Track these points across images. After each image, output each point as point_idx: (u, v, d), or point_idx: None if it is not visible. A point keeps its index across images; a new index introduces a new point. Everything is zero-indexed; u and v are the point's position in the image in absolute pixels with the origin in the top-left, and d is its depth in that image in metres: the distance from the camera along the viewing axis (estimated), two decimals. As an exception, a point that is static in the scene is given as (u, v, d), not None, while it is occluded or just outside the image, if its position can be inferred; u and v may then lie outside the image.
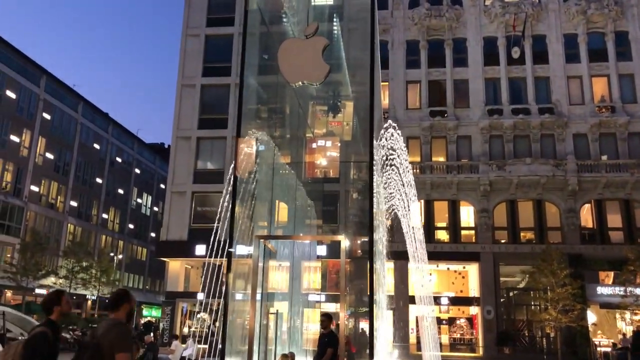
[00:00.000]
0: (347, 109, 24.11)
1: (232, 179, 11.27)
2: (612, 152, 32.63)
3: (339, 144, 25.77)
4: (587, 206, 32.41)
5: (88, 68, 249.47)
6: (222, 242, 16.67)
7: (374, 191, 11.70)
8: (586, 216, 32.54)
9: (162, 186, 66.90)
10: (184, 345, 20.58)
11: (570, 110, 33.56)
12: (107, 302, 5.34)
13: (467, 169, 33.20)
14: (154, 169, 66.45)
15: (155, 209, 65.72)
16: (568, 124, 33.18)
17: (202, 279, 36.60)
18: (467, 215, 34.04)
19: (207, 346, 26.63)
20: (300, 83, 11.98)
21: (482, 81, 34.80)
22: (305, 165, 22.65)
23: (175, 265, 35.13)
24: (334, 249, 29.11)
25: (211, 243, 14.37)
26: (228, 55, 37.04)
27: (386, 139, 14.03)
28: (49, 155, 47.02)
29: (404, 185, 16.08)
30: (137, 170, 61.89)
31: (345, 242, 11.70)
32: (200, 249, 33.96)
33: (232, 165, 11.51)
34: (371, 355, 10.00)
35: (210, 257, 35.81)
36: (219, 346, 15.83)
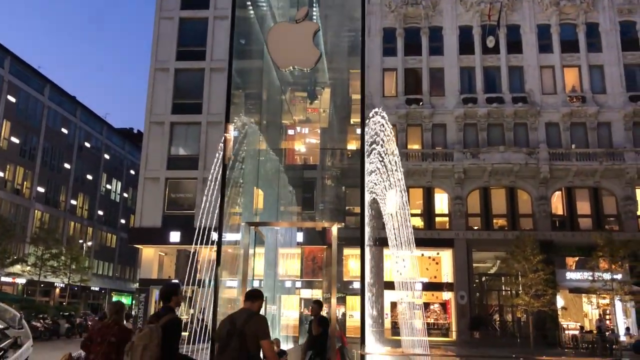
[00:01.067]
0: (323, 95, 24.03)
1: (221, 165, 11.11)
2: (582, 141, 33.44)
3: (319, 131, 25.66)
4: (557, 194, 33.19)
5: (54, 50, 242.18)
6: (202, 229, 16.55)
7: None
8: (557, 203, 33.32)
9: (132, 172, 65.80)
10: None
11: (543, 99, 34.19)
12: (162, 294, 5.66)
13: (442, 157, 33.57)
14: (124, 154, 65.19)
15: (125, 195, 64.60)
16: (540, 113, 33.83)
17: (176, 266, 36.30)
18: (441, 202, 34.47)
19: (186, 333, 26.57)
20: (291, 68, 11.87)
21: (457, 70, 35.13)
22: (286, 152, 22.55)
23: (148, 252, 34.65)
24: (310, 236, 29.10)
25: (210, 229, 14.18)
26: (203, 39, 36.45)
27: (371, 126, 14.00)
28: (14, 140, 45.55)
29: (387, 173, 16.13)
30: (107, 156, 60.57)
31: (335, 229, 11.70)
32: (174, 236, 33.61)
33: (221, 152, 11.34)
34: (362, 341, 10.06)
35: (186, 244, 35.42)
36: (198, 333, 15.73)
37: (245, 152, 14.41)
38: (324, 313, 10.70)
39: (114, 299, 58.95)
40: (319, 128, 23.93)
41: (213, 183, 10.84)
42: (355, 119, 25.67)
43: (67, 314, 32.27)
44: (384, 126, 13.84)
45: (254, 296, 5.43)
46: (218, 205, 10.87)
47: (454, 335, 32.22)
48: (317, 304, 10.58)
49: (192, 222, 34.31)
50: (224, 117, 11.26)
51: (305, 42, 10.96)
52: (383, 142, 14.35)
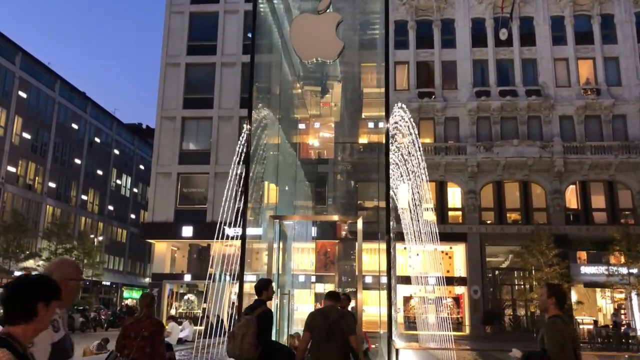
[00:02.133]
0: (334, 89, 23.87)
1: (242, 159, 11.01)
2: (597, 134, 33.10)
3: (332, 125, 25.59)
4: (572, 187, 32.90)
5: (64, 46, 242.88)
6: (220, 224, 16.44)
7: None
8: (571, 197, 33.03)
9: (142, 167, 65.94)
10: (180, 327, 20.36)
11: (557, 92, 33.85)
12: (255, 288, 6.45)
13: (455, 151, 33.34)
14: (133, 149, 65.31)
15: (135, 190, 64.77)
16: (554, 106, 33.49)
17: (188, 260, 36.26)
18: (454, 196, 34.27)
19: (202, 327, 26.56)
20: (307, 62, 11.73)
21: (470, 63, 34.83)
22: (300, 146, 22.43)
23: (161, 247, 34.73)
24: (322, 230, 29.03)
25: (230, 222, 14.09)
26: (213, 34, 36.38)
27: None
28: (26, 135, 45.70)
29: (406, 167, 15.98)
30: (116, 151, 60.71)
31: (360, 223, 11.59)
32: (186, 231, 33.68)
33: (242, 146, 11.25)
34: (390, 335, 9.97)
35: (198, 238, 35.38)
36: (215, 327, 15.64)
37: (265, 145, 14.31)
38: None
39: (125, 293, 59.24)
40: (331, 122, 23.82)
41: (233, 177, 10.69)
42: (367, 112, 25.51)
43: (80, 308, 32.39)
44: (404, 120, 13.70)
45: (337, 296, 6.26)
46: (242, 199, 10.75)
47: (467, 330, 32.07)
48: (345, 297, 10.44)
49: (204, 216, 34.37)
50: (248, 109, 11.18)
51: (328, 34, 10.83)
52: (403, 135, 14.22)
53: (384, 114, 20.52)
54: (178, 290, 35.55)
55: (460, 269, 33.65)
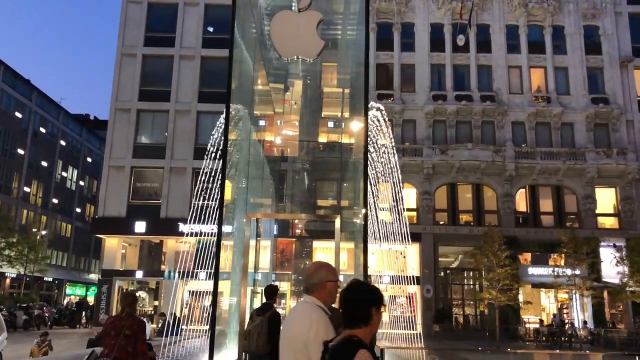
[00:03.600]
0: (295, 87, 23.85)
1: (222, 155, 10.82)
2: (546, 140, 34.43)
3: (297, 123, 25.53)
4: (521, 191, 34.11)
5: (6, 31, 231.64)
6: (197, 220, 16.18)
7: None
8: (520, 200, 34.22)
9: (89, 160, 63.82)
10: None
11: (510, 99, 35.01)
12: (266, 293, 7.30)
13: (411, 152, 33.92)
14: (81, 141, 63.03)
15: (82, 183, 62.59)
16: (507, 112, 34.63)
17: (140, 256, 35.32)
18: (409, 197, 34.84)
19: (154, 325, 25.92)
20: (294, 58, 11.68)
21: (428, 67, 35.53)
22: (263, 143, 22.32)
23: (112, 243, 33.73)
24: (281, 228, 28.89)
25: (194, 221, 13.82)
26: (172, 25, 35.62)
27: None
28: (-34, 123, 43.41)
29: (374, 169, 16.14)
30: (63, 142, 58.39)
31: (338, 222, 11.62)
32: (139, 226, 32.89)
33: (222, 141, 11.06)
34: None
35: (151, 234, 34.60)
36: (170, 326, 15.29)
37: (235, 141, 14.13)
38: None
39: (68, 290, 57.16)
40: (295, 120, 23.79)
41: (207, 172, 10.48)
42: (327, 112, 25.60)
43: (24, 305, 31.02)
44: (379, 121, 13.84)
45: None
46: (220, 195, 10.57)
47: (419, 328, 32.67)
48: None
49: (157, 212, 33.63)
50: (225, 104, 11.00)
51: (308, 32, 10.83)
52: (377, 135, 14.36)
53: (340, 114, 20.74)
54: (128, 288, 34.59)
55: (413, 268, 34.25)
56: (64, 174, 59.14)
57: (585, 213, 33.11)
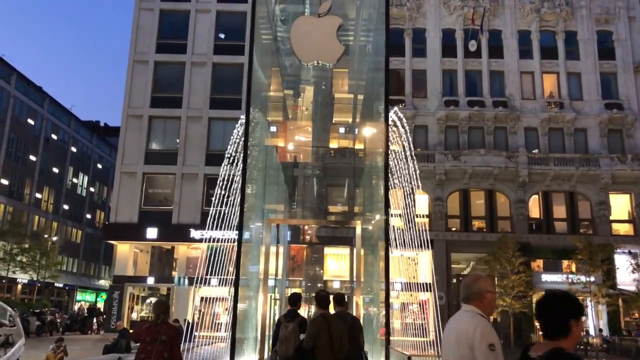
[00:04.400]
0: (306, 93, 23.80)
1: (243, 161, 10.77)
2: (559, 146, 34.17)
3: (310, 129, 25.44)
4: (534, 197, 33.83)
5: (17, 38, 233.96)
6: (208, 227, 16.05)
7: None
8: (533, 207, 33.94)
9: (100, 166, 64.12)
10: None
11: (523, 104, 34.82)
12: (292, 300, 7.92)
13: (423, 158, 33.76)
14: (91, 147, 63.34)
15: (92, 189, 62.84)
16: (520, 118, 34.43)
17: (151, 262, 35.24)
18: (420, 203, 34.67)
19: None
20: (314, 63, 11.64)
21: (439, 72, 35.43)
22: (277, 149, 22.26)
23: (123, 249, 33.76)
24: (293, 234, 28.70)
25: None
26: (184, 32, 35.78)
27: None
28: (-21, 129, 43.71)
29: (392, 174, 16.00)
30: (74, 149, 58.71)
31: (359, 228, 11.52)
32: (151, 232, 32.92)
33: (242, 148, 11.02)
34: (387, 341, 9.94)
35: (163, 240, 34.52)
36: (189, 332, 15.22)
37: (252, 147, 14.06)
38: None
39: (78, 296, 57.28)
40: (308, 126, 23.73)
41: (243, 180, 10.41)
42: (337, 118, 25.53)
43: (37, 311, 31.08)
44: (396, 126, 13.75)
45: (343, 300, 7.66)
46: (240, 200, 10.50)
47: (431, 335, 32.45)
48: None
49: (169, 218, 33.65)
50: (245, 110, 10.97)
51: (328, 37, 10.78)
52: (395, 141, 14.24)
53: (355, 119, 20.52)
54: (139, 294, 34.59)
55: (425, 275, 34.03)
56: (75, 180, 59.43)
57: (599, 219, 32.77)
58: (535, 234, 32.88)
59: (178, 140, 34.75)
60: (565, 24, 35.70)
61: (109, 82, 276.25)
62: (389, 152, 11.72)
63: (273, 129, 19.16)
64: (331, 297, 7.14)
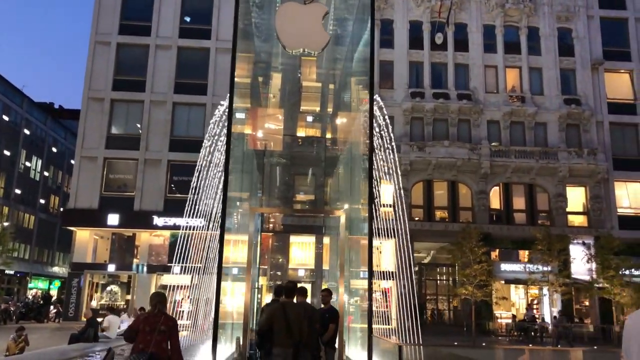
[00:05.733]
0: (274, 80, 23.64)
1: (226, 147, 10.60)
2: (520, 139, 35.09)
3: (281, 117, 25.26)
4: (495, 189, 34.69)
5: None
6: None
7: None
8: (494, 198, 34.81)
9: (54, 150, 61.98)
10: (119, 320, 19.23)
11: (486, 97, 35.53)
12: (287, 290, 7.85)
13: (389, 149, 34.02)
14: (45, 130, 61.03)
15: (46, 173, 60.71)
16: (483, 111, 35.15)
17: (111, 249, 34.42)
18: (384, 193, 35.04)
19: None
20: (300, 51, 11.55)
21: (406, 64, 35.74)
22: (249, 137, 22.05)
23: (83, 235, 32.86)
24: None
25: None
26: (148, 14, 34.84)
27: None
28: None
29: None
30: (27, 131, 56.45)
31: (343, 218, 11.54)
32: (112, 219, 32.17)
33: (226, 134, 10.84)
34: (370, 329, 10.05)
35: (124, 227, 33.83)
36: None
37: (236, 134, 13.89)
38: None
39: (31, 283, 55.45)
40: (279, 114, 23.55)
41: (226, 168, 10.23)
42: (305, 106, 25.45)
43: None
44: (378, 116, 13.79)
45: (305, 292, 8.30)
46: (223, 187, 10.33)
47: (393, 323, 32.95)
48: (327, 292, 10.36)
49: (131, 204, 32.92)
50: (229, 96, 10.79)
51: (313, 25, 10.69)
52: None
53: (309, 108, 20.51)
54: (99, 281, 33.77)
55: (388, 264, 34.51)
56: (28, 164, 57.26)
57: (556, 211, 33.90)
58: (496, 224, 33.76)
59: (139, 125, 33.94)
60: (528, 20, 36.54)
61: (64, 62, 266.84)
62: (373, 143, 11.80)
63: (246, 115, 18.93)
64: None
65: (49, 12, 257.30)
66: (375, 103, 13.97)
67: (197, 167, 14.32)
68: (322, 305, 10.10)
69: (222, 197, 10.49)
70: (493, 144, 34.52)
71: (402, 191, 14.01)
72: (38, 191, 58.97)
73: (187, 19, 35.42)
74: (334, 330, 9.65)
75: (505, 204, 34.50)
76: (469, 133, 34.98)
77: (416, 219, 34.27)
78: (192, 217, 15.56)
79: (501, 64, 35.97)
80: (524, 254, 32.86)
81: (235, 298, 16.79)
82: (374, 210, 16.87)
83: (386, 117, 13.62)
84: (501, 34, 36.34)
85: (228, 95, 10.97)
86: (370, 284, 10.23)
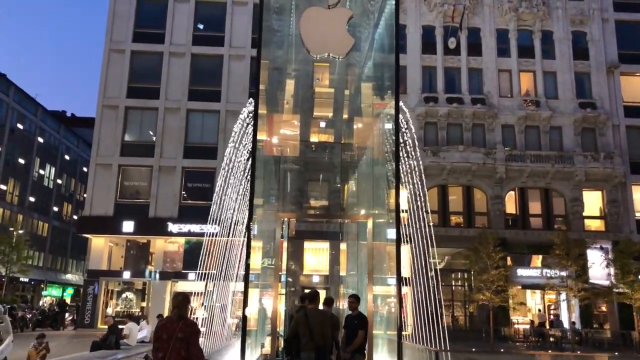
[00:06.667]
0: (287, 87, 23.60)
1: (253, 156, 10.58)
2: (535, 143, 34.86)
3: (297, 123, 25.24)
4: (511, 193, 34.43)
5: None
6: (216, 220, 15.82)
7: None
8: (509, 202, 34.55)
9: (67, 157, 62.41)
10: (138, 327, 19.24)
11: (500, 102, 35.35)
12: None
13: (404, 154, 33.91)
14: (59, 138, 61.50)
15: (59, 181, 61.11)
16: (497, 115, 34.95)
17: (126, 256, 34.49)
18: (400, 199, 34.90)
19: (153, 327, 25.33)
20: (324, 56, 11.51)
21: (419, 69, 35.65)
22: (263, 143, 22.01)
23: (98, 242, 32.96)
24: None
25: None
26: (162, 22, 35.03)
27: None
28: (-59, 118, 41.92)
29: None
30: (40, 139, 56.90)
31: (370, 224, 11.46)
32: (127, 226, 32.24)
33: (252, 141, 10.83)
34: (399, 335, 9.94)
35: (139, 234, 33.85)
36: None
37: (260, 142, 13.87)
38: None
39: (45, 291, 55.72)
40: (296, 120, 23.52)
41: (252, 174, 10.21)
42: (318, 112, 25.39)
43: (8, 306, 30.01)
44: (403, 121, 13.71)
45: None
46: (250, 193, 10.29)
47: (409, 329, 32.72)
48: (355, 298, 10.22)
49: (146, 211, 33.00)
50: (254, 103, 10.77)
51: (337, 29, 10.64)
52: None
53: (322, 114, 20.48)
54: (114, 288, 33.84)
55: (404, 269, 34.30)
56: (42, 171, 57.69)
57: (572, 215, 33.59)
58: (512, 229, 33.49)
59: (152, 132, 34.08)
60: (542, 24, 36.36)
61: (76, 71, 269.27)
62: (399, 148, 11.76)
63: (265, 121, 18.91)
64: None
65: (62, 23, 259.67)
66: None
67: (220, 173, 14.29)
68: (350, 312, 9.98)
69: (248, 203, 10.46)
70: (507, 148, 34.31)
71: (426, 197, 13.85)
72: (51, 199, 59.39)
73: (201, 27, 35.57)
74: (363, 337, 9.54)
75: (521, 209, 34.23)
76: (484, 137, 34.79)
77: (431, 224, 34.00)
78: (211, 224, 15.53)
79: (515, 68, 35.78)
80: (539, 259, 32.53)
81: (254, 305, 16.70)
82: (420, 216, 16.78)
83: (409, 122, 13.50)
84: (515, 38, 36.18)
85: (252, 102, 10.97)
86: (399, 290, 10.13)
